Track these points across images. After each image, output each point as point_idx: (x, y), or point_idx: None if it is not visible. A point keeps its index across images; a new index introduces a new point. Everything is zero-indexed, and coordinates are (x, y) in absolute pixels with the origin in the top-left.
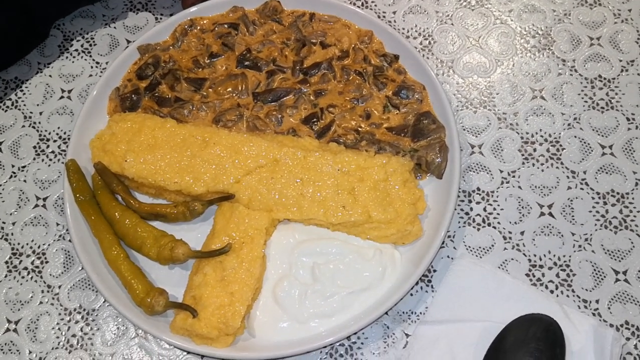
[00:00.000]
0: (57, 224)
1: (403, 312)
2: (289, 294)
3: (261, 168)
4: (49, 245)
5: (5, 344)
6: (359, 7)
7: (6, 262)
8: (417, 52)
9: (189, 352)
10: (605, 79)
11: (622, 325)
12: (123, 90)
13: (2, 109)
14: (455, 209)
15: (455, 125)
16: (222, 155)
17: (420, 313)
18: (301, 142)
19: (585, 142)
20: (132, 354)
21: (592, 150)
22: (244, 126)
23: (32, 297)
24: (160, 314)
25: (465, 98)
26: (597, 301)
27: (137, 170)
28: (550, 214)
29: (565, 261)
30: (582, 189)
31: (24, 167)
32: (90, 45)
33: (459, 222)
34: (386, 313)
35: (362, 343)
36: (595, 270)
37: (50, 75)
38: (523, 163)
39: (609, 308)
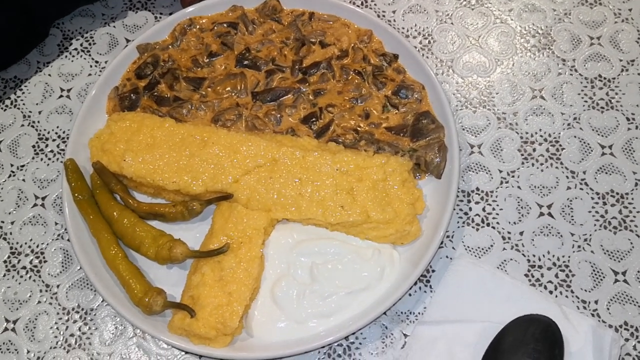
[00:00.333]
0: (56, 224)
1: (401, 313)
2: (287, 294)
3: (260, 168)
4: (47, 244)
5: (4, 343)
6: (358, 6)
7: (4, 262)
8: (417, 51)
9: (187, 352)
10: (605, 78)
11: (621, 326)
12: (122, 89)
13: (1, 108)
14: (454, 209)
15: (455, 125)
16: (220, 154)
17: (419, 313)
18: (300, 141)
19: (585, 142)
20: (130, 354)
21: (591, 150)
22: (242, 126)
23: (30, 296)
24: (158, 313)
25: (465, 98)
26: (596, 302)
27: (135, 170)
28: (550, 214)
29: (564, 261)
30: (581, 189)
31: (22, 166)
32: (90, 44)
33: (458, 222)
34: (384, 313)
35: (360, 343)
36: (594, 270)
37: (49, 75)
38: (522, 163)
39: (608, 309)
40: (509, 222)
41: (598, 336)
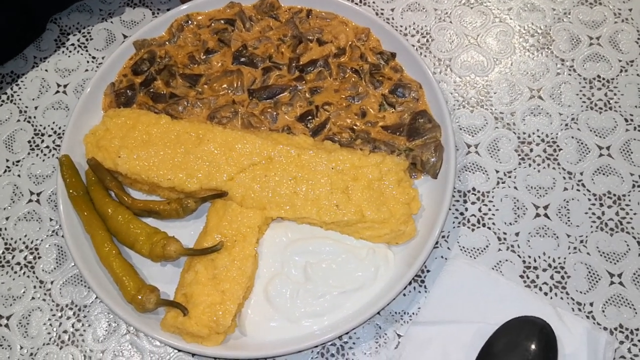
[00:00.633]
0: (51, 220)
1: (395, 313)
2: (280, 293)
3: (255, 166)
4: (42, 240)
5: None
6: (356, 4)
7: None
8: (415, 50)
9: (179, 350)
10: (604, 79)
11: (616, 329)
12: (118, 85)
13: None
14: (449, 209)
15: (451, 125)
16: (215, 152)
17: (413, 313)
18: (296, 139)
19: (582, 143)
20: (123, 351)
21: (589, 151)
22: (238, 123)
23: (24, 292)
24: (151, 311)
25: (462, 97)
26: (591, 304)
27: (130, 167)
28: (546, 215)
29: (560, 263)
30: (578, 190)
31: (18, 161)
32: (87, 39)
33: (454, 222)
34: (378, 313)
35: (353, 343)
36: (590, 272)
37: (46, 70)
38: (519, 163)
39: (603, 311)
40: (505, 223)
41: (593, 338)
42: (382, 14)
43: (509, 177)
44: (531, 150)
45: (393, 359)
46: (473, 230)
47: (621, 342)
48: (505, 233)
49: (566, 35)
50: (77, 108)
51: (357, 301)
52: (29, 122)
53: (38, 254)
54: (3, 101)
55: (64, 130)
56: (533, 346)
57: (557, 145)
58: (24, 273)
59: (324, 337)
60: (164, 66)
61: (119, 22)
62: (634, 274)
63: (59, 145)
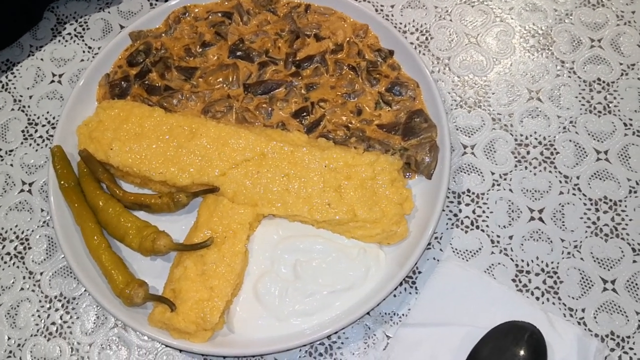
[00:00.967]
0: (42, 210)
1: (385, 313)
2: (269, 291)
3: (247, 162)
4: (32, 231)
5: None
6: (356, 0)
7: None
8: (413, 48)
9: (167, 346)
10: (604, 82)
11: (607, 336)
12: (113, 76)
13: None
14: (443, 210)
15: (447, 125)
16: (208, 147)
17: (403, 315)
18: (290, 136)
19: (580, 147)
20: (111, 344)
21: (586, 155)
22: (232, 118)
23: (13, 282)
24: (139, 305)
25: (460, 97)
26: (583, 310)
27: (122, 159)
28: (541, 219)
29: (553, 268)
30: (574, 194)
31: (11, 151)
32: (84, 29)
33: (447, 223)
34: (368, 313)
35: (342, 343)
36: (583, 278)
37: (41, 59)
38: (515, 166)
39: (595, 317)
40: (499, 226)
41: (583, 345)
42: (381, 10)
43: (505, 179)
44: (528, 152)
45: None
46: (466, 232)
47: (612, 350)
48: (498, 236)
49: (567, 36)
50: (71, 98)
51: (346, 301)
52: (23, 111)
53: (28, 244)
54: None
55: (57, 121)
56: (522, 352)
57: (555, 149)
58: (14, 263)
59: (313, 336)
60: (159, 58)
61: (116, 12)
62: (628, 280)
63: (52, 136)
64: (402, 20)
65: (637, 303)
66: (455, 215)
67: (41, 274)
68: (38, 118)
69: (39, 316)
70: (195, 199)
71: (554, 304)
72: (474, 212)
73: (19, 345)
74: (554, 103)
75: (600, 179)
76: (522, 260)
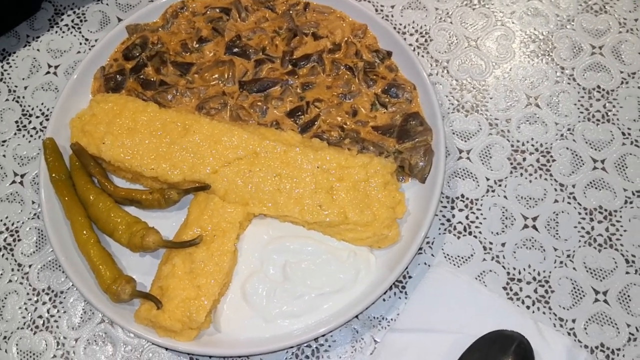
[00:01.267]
0: (33, 202)
1: (374, 317)
2: (257, 291)
3: (240, 160)
4: (22, 223)
5: None
6: None
7: None
8: (412, 49)
9: (153, 343)
10: (603, 90)
11: (597, 347)
12: (108, 69)
13: None
14: (436, 215)
15: (443, 129)
16: (201, 144)
17: (391, 319)
18: (283, 135)
19: (577, 155)
20: (97, 340)
21: (583, 164)
22: (227, 115)
23: (1, 274)
24: (125, 302)
25: (458, 101)
26: (573, 320)
27: (114, 154)
28: (534, 227)
29: (544, 277)
30: (569, 203)
31: (4, 141)
32: (81, 20)
33: (440, 228)
34: (356, 317)
35: (329, 346)
36: (574, 288)
37: (38, 50)
38: (511, 172)
39: (585, 328)
40: (492, 232)
41: (572, 356)
42: (381, 10)
43: (500, 185)
44: (524, 159)
45: None
46: (459, 238)
47: None
48: (491, 243)
49: (568, 42)
50: (66, 90)
51: (335, 304)
52: (17, 101)
53: (18, 236)
54: None
55: (52, 112)
56: None
57: (551, 156)
58: (3, 255)
59: (299, 339)
60: (155, 52)
61: (114, 4)
62: (620, 292)
63: (45, 127)
64: (402, 21)
65: (629, 315)
66: (448, 220)
67: (30, 266)
68: (32, 109)
69: (26, 309)
70: (186, 196)
71: (544, 313)
72: (467, 217)
73: (5, 337)
74: (552, 110)
75: (596, 188)
76: (514, 268)
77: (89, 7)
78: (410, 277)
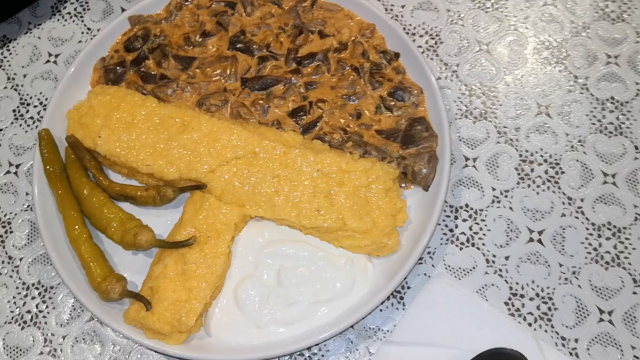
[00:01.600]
0: (27, 194)
1: (369, 328)
2: (250, 296)
3: (238, 160)
4: (15, 214)
5: None
6: None
7: None
8: (420, 52)
9: (141, 345)
10: (617, 101)
11: None
12: (109, 61)
13: None
14: (438, 224)
15: (449, 136)
16: (199, 141)
17: (387, 331)
18: (284, 135)
19: (587, 168)
20: (85, 338)
21: (593, 177)
22: (227, 112)
23: None
24: (115, 301)
25: (466, 106)
26: (576, 340)
27: (109, 148)
28: (540, 241)
29: (548, 293)
30: (577, 217)
31: (0, 130)
32: (84, 9)
33: (442, 238)
34: (352, 327)
35: (322, 355)
36: (579, 306)
37: (39, 37)
38: (518, 183)
39: (588, 349)
40: (496, 245)
41: None
42: (391, 10)
43: (506, 196)
44: (532, 170)
45: None
46: (461, 249)
47: None
48: (494, 255)
49: (583, 51)
50: (64, 80)
51: (330, 312)
52: (15, 90)
53: (10, 228)
54: None
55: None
56: None
57: (560, 168)
58: None
59: (292, 347)
60: (157, 45)
61: None
62: (626, 313)
63: (43, 117)
64: (411, 21)
65: (634, 337)
66: (451, 230)
67: (20, 259)
68: (30, 98)
69: (14, 303)
70: (182, 194)
71: (546, 331)
72: (470, 228)
73: None
74: (563, 120)
75: (605, 203)
76: (517, 283)
77: None
78: (409, 287)
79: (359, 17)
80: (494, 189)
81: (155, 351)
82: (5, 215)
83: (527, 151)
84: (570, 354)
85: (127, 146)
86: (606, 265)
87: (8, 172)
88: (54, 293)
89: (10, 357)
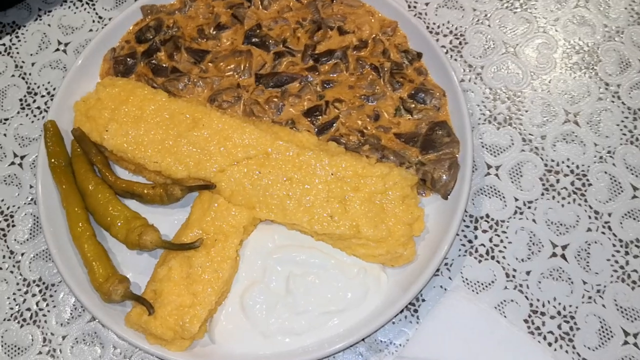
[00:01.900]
0: (31, 187)
1: (381, 341)
2: (256, 303)
3: (249, 160)
4: (18, 207)
5: None
6: None
7: None
8: (444, 52)
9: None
10: None
11: None
12: (119, 51)
13: None
14: (457, 235)
15: (472, 142)
16: (209, 139)
17: (400, 345)
18: (298, 136)
19: (615, 180)
20: (86, 339)
21: (622, 191)
22: (240, 110)
23: None
24: (117, 303)
25: (490, 111)
26: None
27: (116, 143)
28: (563, 256)
29: (570, 312)
30: (603, 233)
31: (6, 119)
32: None
33: (460, 250)
34: (362, 339)
35: None
36: (602, 327)
37: (49, 25)
38: (542, 194)
39: None
40: (517, 259)
41: None
42: (414, 7)
43: (529, 207)
44: (558, 181)
45: None
46: (480, 261)
47: None
48: (515, 270)
49: (615, 56)
50: (73, 71)
51: (340, 324)
52: (23, 78)
53: (13, 221)
54: (0, 52)
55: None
56: None
57: (587, 180)
58: None
59: (299, 359)
60: (170, 37)
61: None
62: None
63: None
64: (435, 20)
65: None
66: (470, 241)
67: (22, 255)
68: (38, 87)
69: (14, 300)
70: (190, 193)
71: (567, 352)
72: (491, 240)
73: None
74: (592, 129)
75: (634, 219)
76: (538, 300)
77: None
78: (423, 300)
79: (381, 13)
80: (516, 200)
81: (157, 357)
82: (8, 208)
83: (552, 161)
84: None
85: (134, 142)
86: (633, 285)
87: (12, 163)
88: (55, 291)
89: (8, 355)
